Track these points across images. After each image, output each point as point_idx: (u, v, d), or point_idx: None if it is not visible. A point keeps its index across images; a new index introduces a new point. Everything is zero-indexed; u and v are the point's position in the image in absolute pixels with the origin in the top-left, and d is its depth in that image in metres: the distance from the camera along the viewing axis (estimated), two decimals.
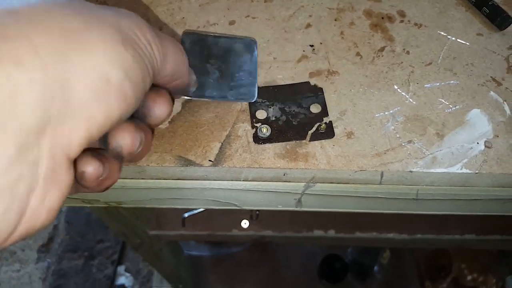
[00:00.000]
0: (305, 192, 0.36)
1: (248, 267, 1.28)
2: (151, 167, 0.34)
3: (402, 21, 0.41)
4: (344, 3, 0.42)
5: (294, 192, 0.36)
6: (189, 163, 0.33)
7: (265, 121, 0.35)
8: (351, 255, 1.28)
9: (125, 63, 0.21)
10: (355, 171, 0.33)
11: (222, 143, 0.34)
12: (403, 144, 0.34)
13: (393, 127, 0.35)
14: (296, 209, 0.39)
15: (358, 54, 0.39)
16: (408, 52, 0.39)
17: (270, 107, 0.36)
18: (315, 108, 0.36)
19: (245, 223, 0.67)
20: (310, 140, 0.34)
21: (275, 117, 0.36)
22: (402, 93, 0.37)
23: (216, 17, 0.41)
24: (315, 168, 0.33)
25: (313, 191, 0.36)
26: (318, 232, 0.74)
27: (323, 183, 0.35)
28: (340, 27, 0.40)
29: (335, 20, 0.41)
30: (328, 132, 0.35)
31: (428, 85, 0.37)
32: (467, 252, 1.30)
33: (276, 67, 0.38)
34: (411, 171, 0.33)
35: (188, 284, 1.25)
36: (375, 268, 1.29)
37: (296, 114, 0.36)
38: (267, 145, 0.34)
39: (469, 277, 1.32)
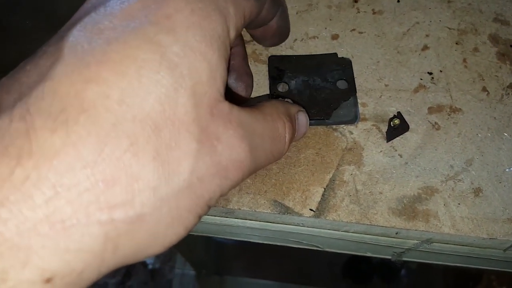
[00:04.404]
0: (414, 249, 0.31)
1: (272, 258, 1.25)
2: (241, 211, 0.29)
3: None
4: (466, 23, 0.35)
5: (398, 247, 0.31)
6: (286, 210, 0.28)
7: (287, 95, 0.31)
8: None
9: None
10: (483, 238, 0.28)
11: (325, 189, 0.29)
12: None
13: None
14: (390, 258, 0.34)
15: (484, 89, 0.33)
16: None
17: (293, 79, 0.32)
18: (341, 84, 0.32)
19: None
20: (329, 125, 0.31)
21: (298, 90, 0.31)
22: None
23: (316, 28, 0.35)
24: (437, 231, 0.28)
25: (422, 248, 0.31)
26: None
27: (438, 243, 0.30)
28: (463, 53, 0.34)
29: (456, 43, 0.35)
30: (403, 126, 0.30)
31: None
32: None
33: (388, 97, 0.32)
34: None
35: (211, 269, 1.22)
36: (402, 271, 1.25)
37: (320, 89, 0.31)
38: (378, 196, 0.29)
39: None
